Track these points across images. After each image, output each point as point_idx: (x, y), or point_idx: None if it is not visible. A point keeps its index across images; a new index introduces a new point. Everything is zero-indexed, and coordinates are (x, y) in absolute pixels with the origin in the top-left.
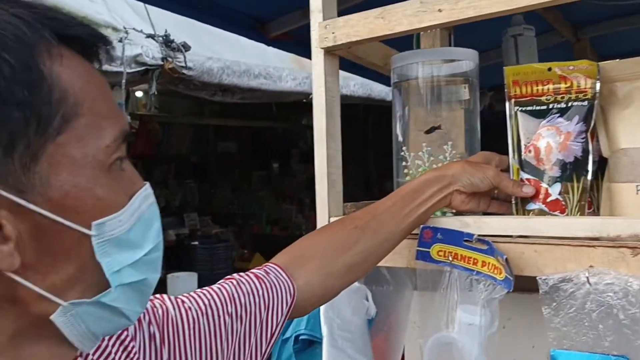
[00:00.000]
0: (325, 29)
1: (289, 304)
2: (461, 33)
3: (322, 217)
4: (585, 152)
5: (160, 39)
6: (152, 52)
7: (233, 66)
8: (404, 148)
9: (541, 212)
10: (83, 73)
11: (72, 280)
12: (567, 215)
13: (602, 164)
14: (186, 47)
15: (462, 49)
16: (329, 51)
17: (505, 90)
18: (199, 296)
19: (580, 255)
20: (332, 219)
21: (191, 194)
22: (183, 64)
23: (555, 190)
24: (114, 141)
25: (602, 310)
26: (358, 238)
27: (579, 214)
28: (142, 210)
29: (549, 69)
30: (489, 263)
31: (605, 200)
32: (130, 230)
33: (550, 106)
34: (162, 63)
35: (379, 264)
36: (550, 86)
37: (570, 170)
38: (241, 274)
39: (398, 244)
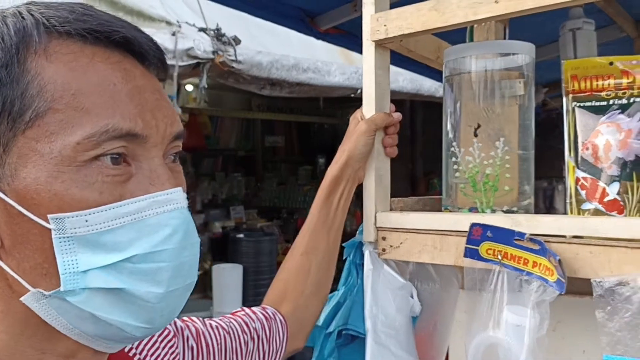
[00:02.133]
0: (377, 21)
1: (285, 334)
2: (516, 26)
3: (369, 211)
4: None
5: (212, 32)
6: (204, 46)
7: (282, 60)
8: (454, 144)
9: (597, 212)
10: (78, 68)
11: (40, 270)
12: (626, 215)
13: None
14: (237, 41)
15: (518, 42)
16: (380, 44)
17: (563, 85)
18: (221, 319)
19: (638, 258)
20: (379, 215)
21: (238, 187)
22: (233, 58)
23: (613, 190)
24: (90, 138)
25: None
26: (309, 262)
27: (638, 214)
28: (145, 214)
29: (611, 63)
30: (540, 264)
31: None
32: (109, 232)
33: (611, 102)
34: (213, 57)
35: (425, 261)
36: (612, 81)
37: (631, 169)
38: (245, 307)
39: (339, 242)
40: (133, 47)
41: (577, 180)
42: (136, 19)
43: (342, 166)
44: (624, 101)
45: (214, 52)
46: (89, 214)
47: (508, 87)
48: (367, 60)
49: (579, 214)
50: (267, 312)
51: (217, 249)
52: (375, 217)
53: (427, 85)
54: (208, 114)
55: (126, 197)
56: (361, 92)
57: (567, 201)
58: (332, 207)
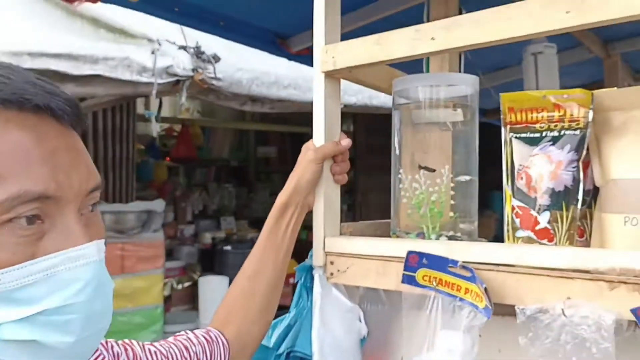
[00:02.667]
0: (327, 53)
1: (227, 357)
2: (481, 50)
3: (319, 236)
4: (576, 181)
5: (192, 50)
6: (183, 64)
7: (263, 77)
8: (401, 171)
9: (530, 240)
10: None
11: None
12: (556, 243)
13: (596, 192)
14: (216, 59)
15: (462, 74)
16: (329, 75)
17: (502, 116)
18: (161, 345)
19: (559, 286)
20: (328, 239)
21: (229, 198)
22: (213, 75)
23: (544, 219)
24: (2, 203)
25: (576, 342)
26: (254, 286)
27: (567, 243)
28: (57, 270)
29: (544, 97)
30: (471, 290)
31: (596, 230)
32: (22, 289)
33: (544, 134)
34: (192, 74)
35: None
36: (545, 114)
37: (560, 199)
38: (188, 330)
39: (287, 268)
40: (47, 112)
41: (513, 208)
42: (118, 36)
43: (290, 193)
44: (556, 133)
45: (193, 70)
46: (2, 273)
47: (451, 116)
48: (317, 90)
49: (514, 241)
50: (209, 335)
51: (206, 260)
52: (324, 242)
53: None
54: (201, 125)
55: (39, 254)
56: (344, 106)
57: (505, 228)
58: (280, 233)
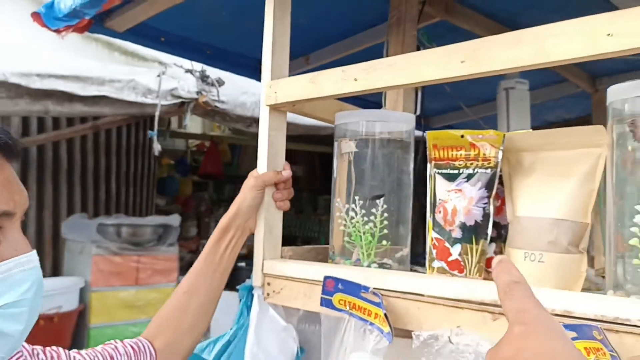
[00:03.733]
0: (270, 88)
1: None
2: (460, 83)
3: (258, 258)
4: (486, 216)
5: (197, 73)
6: (188, 86)
7: None
8: (338, 200)
9: (443, 271)
10: None
11: None
12: (466, 275)
13: None
14: (220, 82)
15: (399, 113)
16: (274, 108)
17: (428, 152)
18: (87, 353)
19: (452, 315)
20: (266, 262)
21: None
22: (216, 98)
23: (455, 251)
24: None
25: None
26: (189, 301)
27: (477, 275)
28: (12, 272)
29: (462, 136)
30: (379, 315)
31: None
32: None
33: (461, 171)
34: (197, 96)
35: (299, 307)
36: (463, 152)
37: (471, 233)
38: (118, 340)
39: (223, 287)
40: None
41: (432, 240)
42: (130, 59)
43: (232, 217)
44: (471, 171)
45: (198, 92)
46: None
47: (387, 152)
48: (262, 122)
49: (430, 270)
50: (138, 345)
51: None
52: (263, 264)
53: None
54: (230, 142)
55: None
56: None
57: (427, 258)
58: (218, 254)
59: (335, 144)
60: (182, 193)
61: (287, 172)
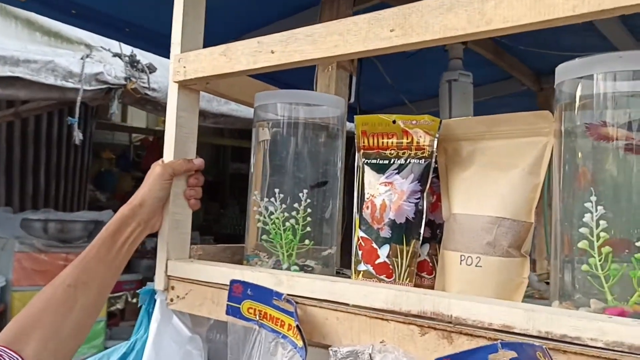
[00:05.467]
0: (179, 62)
1: None
2: (402, 78)
3: (162, 258)
4: (419, 213)
5: (127, 58)
6: (115, 71)
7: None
8: (255, 192)
9: (369, 275)
10: None
11: None
12: (395, 280)
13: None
14: (151, 69)
15: (327, 95)
16: (183, 85)
17: (356, 140)
18: None
19: (375, 327)
20: (170, 262)
21: (197, 213)
22: (146, 85)
23: (384, 253)
24: None
25: None
26: (75, 296)
27: (407, 280)
28: None
29: (394, 122)
30: (293, 327)
31: (441, 267)
32: None
33: (392, 161)
34: (125, 83)
35: (205, 315)
36: (394, 140)
37: (401, 232)
38: None
39: (112, 287)
40: None
41: (358, 239)
42: (54, 40)
43: (135, 207)
44: (402, 161)
45: (126, 79)
46: None
47: (313, 136)
48: (170, 101)
49: (355, 275)
50: (2, 358)
51: None
52: (167, 264)
53: None
54: None
55: None
56: None
57: (352, 260)
58: (115, 247)
59: (254, 130)
60: (120, 189)
61: (199, 161)
